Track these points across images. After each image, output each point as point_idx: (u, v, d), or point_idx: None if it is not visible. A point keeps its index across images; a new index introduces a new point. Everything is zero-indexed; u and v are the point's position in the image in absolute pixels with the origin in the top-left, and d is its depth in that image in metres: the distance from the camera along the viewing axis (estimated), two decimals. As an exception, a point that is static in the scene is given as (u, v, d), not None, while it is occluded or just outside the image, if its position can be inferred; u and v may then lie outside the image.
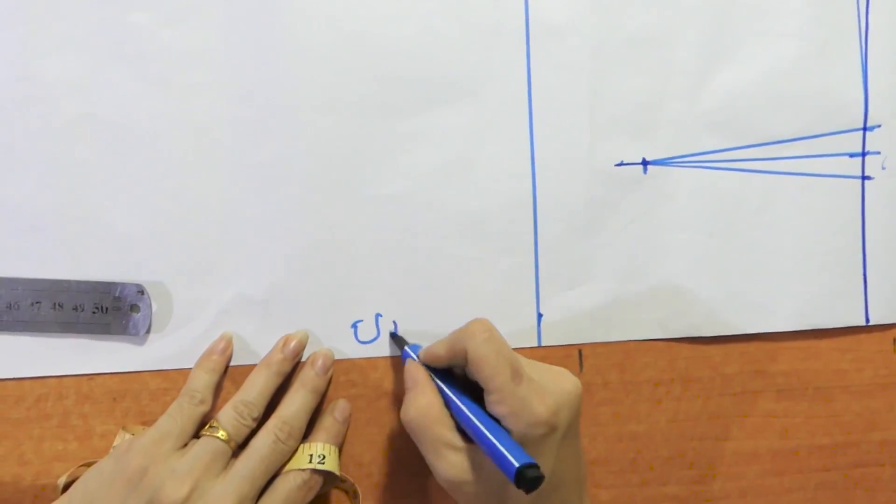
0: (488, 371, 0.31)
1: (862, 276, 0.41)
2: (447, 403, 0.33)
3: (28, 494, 0.37)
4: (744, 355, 0.42)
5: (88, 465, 0.35)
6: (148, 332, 0.37)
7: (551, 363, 0.35)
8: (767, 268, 0.40)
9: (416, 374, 0.34)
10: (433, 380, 0.34)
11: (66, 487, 0.35)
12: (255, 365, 0.37)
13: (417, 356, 0.35)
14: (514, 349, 0.37)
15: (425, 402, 0.33)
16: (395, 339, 0.38)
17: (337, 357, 0.38)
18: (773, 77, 0.40)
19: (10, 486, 0.37)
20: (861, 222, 0.41)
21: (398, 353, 0.38)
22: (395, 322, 0.38)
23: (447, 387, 0.33)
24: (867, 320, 0.41)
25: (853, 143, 0.40)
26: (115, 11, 0.36)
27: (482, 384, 0.32)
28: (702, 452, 0.42)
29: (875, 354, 0.42)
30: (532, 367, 0.33)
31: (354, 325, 0.38)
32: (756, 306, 0.40)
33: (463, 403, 0.32)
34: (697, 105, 0.39)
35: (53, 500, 0.34)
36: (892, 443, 0.43)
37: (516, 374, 0.31)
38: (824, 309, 0.41)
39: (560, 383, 0.33)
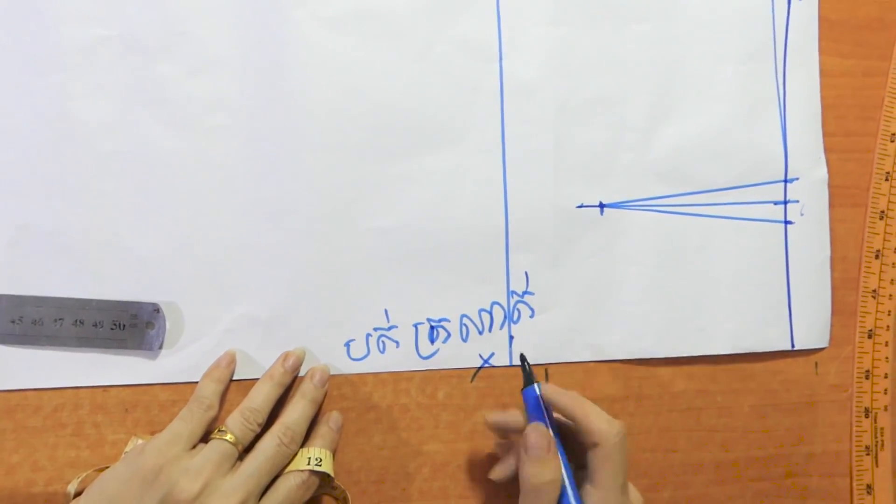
0: (608, 473, 0.36)
1: (787, 307, 0.47)
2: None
3: (39, 499, 0.40)
4: (689, 376, 0.47)
5: (99, 470, 0.39)
6: (160, 347, 0.40)
7: (521, 380, 0.40)
8: (707, 298, 0.46)
9: (550, 441, 0.37)
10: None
11: (77, 494, 0.38)
12: (258, 378, 0.41)
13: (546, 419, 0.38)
14: (488, 367, 0.42)
15: (555, 473, 0.36)
16: (525, 367, 0.39)
17: (331, 372, 0.42)
18: (710, 134, 0.46)
19: (22, 492, 0.40)
20: (785, 260, 0.47)
21: (388, 369, 0.43)
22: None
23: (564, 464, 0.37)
24: (792, 345, 0.47)
25: (776, 192, 0.47)
26: (144, 62, 0.40)
27: (595, 478, 0.36)
28: (653, 463, 0.47)
29: (800, 376, 0.48)
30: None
31: (347, 344, 0.42)
32: (698, 331, 0.46)
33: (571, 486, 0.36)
34: (646, 156, 0.46)
35: (63, 504, 0.37)
36: (817, 454, 0.48)
37: (625, 488, 0.36)
38: (756, 335, 0.47)
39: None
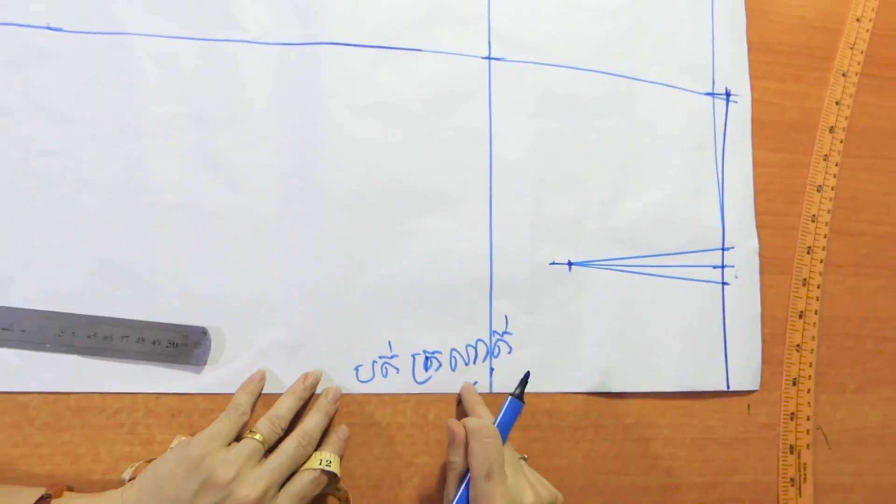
0: (472, 463, 0.45)
1: (724, 354, 0.56)
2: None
3: (97, 485, 0.48)
4: (640, 409, 0.55)
5: (149, 461, 0.47)
6: (205, 363, 0.49)
7: (498, 407, 0.49)
8: (656, 343, 0.55)
9: (457, 434, 0.47)
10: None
11: (131, 480, 0.46)
12: (281, 393, 0.49)
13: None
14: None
15: (457, 458, 0.46)
16: (524, 382, 0.50)
17: (342, 392, 0.51)
18: (661, 209, 0.56)
19: (84, 478, 0.48)
20: (722, 315, 0.57)
21: (388, 391, 0.51)
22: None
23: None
24: (728, 387, 0.56)
25: (715, 258, 0.57)
26: (207, 134, 0.51)
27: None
28: (608, 484, 0.54)
29: (735, 415, 0.57)
30: (515, 472, 0.46)
31: (356, 368, 0.51)
32: (648, 371, 0.55)
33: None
34: (608, 224, 0.56)
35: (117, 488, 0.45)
36: (749, 483, 0.57)
37: (491, 477, 0.44)
38: (697, 377, 0.56)
39: (522, 495, 0.45)
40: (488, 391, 0.53)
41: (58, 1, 0.50)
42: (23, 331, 0.47)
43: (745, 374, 0.57)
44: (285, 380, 0.50)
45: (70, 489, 0.46)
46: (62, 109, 0.49)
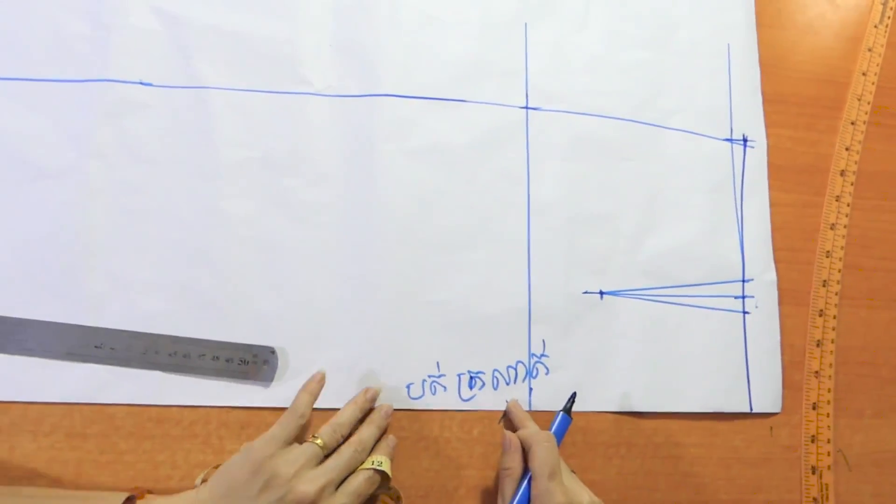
0: (533, 464, 0.50)
1: (746, 378, 0.60)
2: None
3: (174, 490, 0.53)
4: (668, 429, 0.59)
5: (216, 466, 0.52)
6: (272, 380, 0.55)
7: (539, 425, 0.54)
8: (681, 367, 0.60)
9: (513, 441, 0.53)
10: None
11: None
12: (338, 408, 0.54)
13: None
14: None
15: (513, 463, 0.52)
16: (572, 399, 0.56)
17: (395, 407, 0.56)
18: (684, 244, 0.62)
19: (162, 483, 0.53)
20: (744, 341, 0.61)
21: (437, 407, 0.56)
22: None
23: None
24: (751, 408, 0.60)
25: (736, 289, 0.62)
26: (276, 175, 0.57)
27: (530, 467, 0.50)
28: (639, 499, 0.58)
29: (758, 437, 0.61)
30: (570, 477, 0.51)
31: (408, 386, 0.56)
32: (675, 393, 0.59)
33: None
34: (635, 258, 0.61)
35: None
36: (773, 502, 0.60)
37: (554, 476, 0.49)
38: (721, 399, 0.60)
39: (580, 495, 0.49)
40: (528, 408, 0.57)
41: (149, 60, 0.57)
42: (112, 349, 0.53)
43: (767, 396, 0.61)
44: (343, 395, 0.55)
45: (150, 492, 0.51)
46: (150, 154, 0.56)
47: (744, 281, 0.62)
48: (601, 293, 0.60)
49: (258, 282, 0.56)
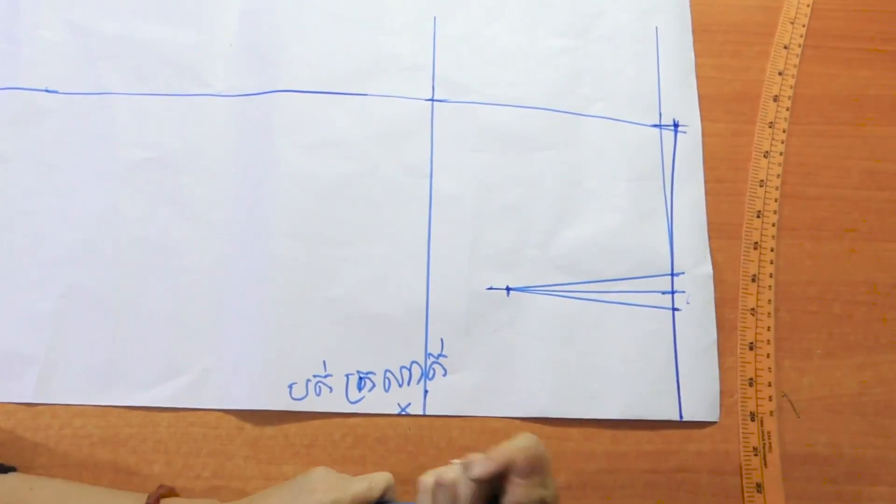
0: None
1: (675, 382, 0.54)
2: None
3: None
4: (584, 434, 0.54)
5: None
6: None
7: (433, 432, 0.51)
8: (598, 369, 0.54)
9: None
10: None
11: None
12: (215, 409, 0.52)
13: None
14: (405, 415, 0.52)
15: None
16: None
17: (275, 408, 0.53)
18: (604, 236, 0.56)
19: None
20: (673, 341, 0.55)
21: (321, 409, 0.53)
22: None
23: None
24: (681, 416, 0.53)
25: (664, 284, 0.56)
26: (171, 174, 0.56)
27: None
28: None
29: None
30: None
31: (290, 386, 0.53)
32: (591, 398, 0.53)
33: None
34: (548, 252, 0.56)
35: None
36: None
37: None
38: (645, 405, 0.53)
39: None
40: (422, 413, 0.53)
41: (57, 69, 0.59)
42: None
43: (701, 403, 0.54)
44: (228, 392, 0.53)
45: (174, 493, 0.49)
46: (51, 157, 0.57)
47: (673, 275, 0.56)
48: (508, 289, 0.56)
49: (148, 280, 0.55)
